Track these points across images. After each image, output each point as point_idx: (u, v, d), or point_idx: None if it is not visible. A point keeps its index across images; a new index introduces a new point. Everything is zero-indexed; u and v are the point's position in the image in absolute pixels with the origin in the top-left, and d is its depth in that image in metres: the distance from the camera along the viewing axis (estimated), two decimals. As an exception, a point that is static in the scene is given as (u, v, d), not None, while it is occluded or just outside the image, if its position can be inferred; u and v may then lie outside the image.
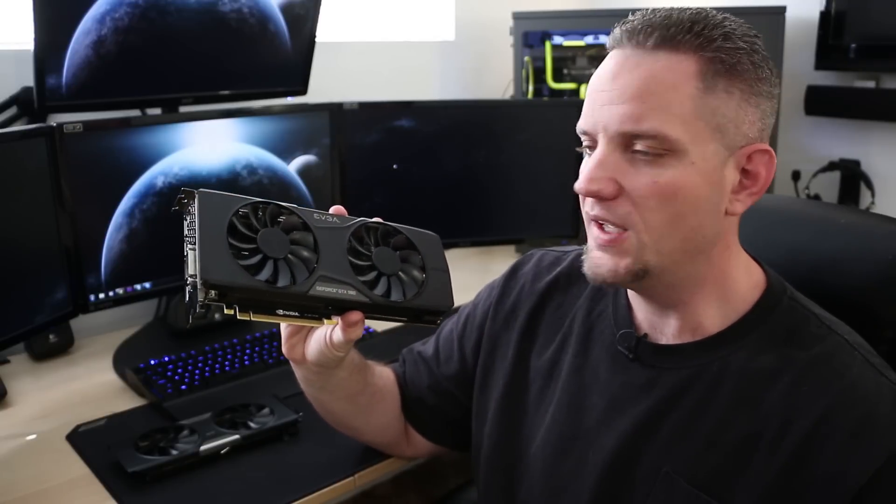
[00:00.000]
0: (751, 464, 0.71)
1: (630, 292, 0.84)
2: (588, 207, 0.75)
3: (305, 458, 1.07)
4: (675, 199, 0.70)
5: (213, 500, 0.98)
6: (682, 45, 0.69)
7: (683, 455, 0.74)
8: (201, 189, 0.71)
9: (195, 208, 0.70)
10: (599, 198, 0.72)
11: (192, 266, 0.68)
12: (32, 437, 1.13)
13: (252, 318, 0.70)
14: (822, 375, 0.71)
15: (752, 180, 0.74)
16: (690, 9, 0.72)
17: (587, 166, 0.72)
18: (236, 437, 1.07)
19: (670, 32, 0.70)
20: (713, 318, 0.77)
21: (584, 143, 0.76)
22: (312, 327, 0.83)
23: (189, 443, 1.05)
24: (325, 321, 0.75)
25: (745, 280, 0.78)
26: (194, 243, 0.68)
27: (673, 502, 0.74)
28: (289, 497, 0.98)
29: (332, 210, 0.80)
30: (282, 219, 0.74)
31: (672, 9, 0.72)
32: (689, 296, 0.77)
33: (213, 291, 0.67)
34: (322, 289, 0.72)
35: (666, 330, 0.80)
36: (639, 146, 0.70)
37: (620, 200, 0.71)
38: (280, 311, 0.72)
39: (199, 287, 0.67)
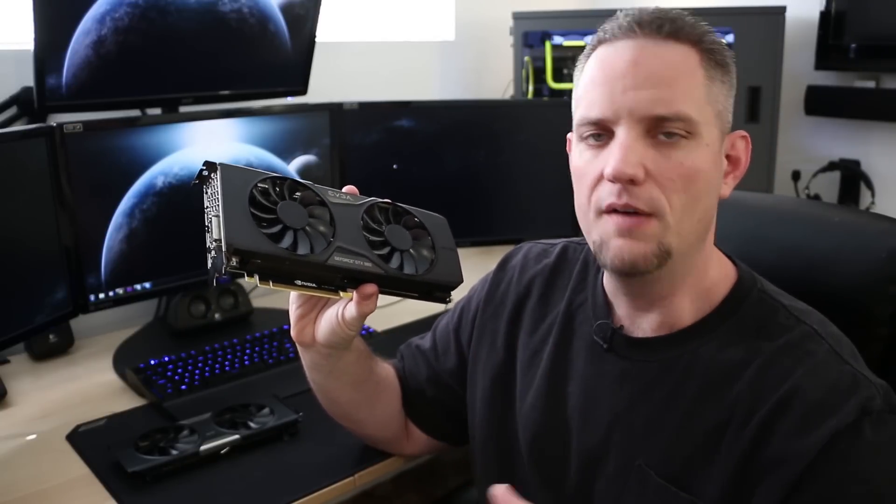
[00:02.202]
0: (718, 453, 0.72)
1: (609, 286, 0.85)
2: (613, 197, 0.72)
3: (305, 458, 1.07)
4: (697, 180, 0.72)
5: (213, 500, 0.98)
6: (684, 37, 0.73)
7: (655, 448, 0.76)
8: (222, 162, 0.73)
9: (217, 180, 0.72)
10: (632, 183, 0.71)
11: (217, 231, 0.70)
12: (32, 437, 1.13)
13: (272, 287, 0.72)
14: (786, 363, 0.72)
15: (733, 165, 0.79)
16: (669, 8, 0.76)
17: (616, 153, 0.71)
18: (236, 437, 1.06)
19: (677, 25, 0.73)
20: (689, 311, 0.79)
21: (588, 133, 0.75)
22: (324, 306, 0.85)
23: (189, 443, 1.05)
24: (342, 293, 0.78)
25: (715, 272, 0.80)
26: (217, 212, 0.70)
27: (646, 494, 0.76)
28: (289, 497, 0.98)
29: (344, 189, 0.82)
30: (298, 194, 0.76)
31: (656, 8, 0.75)
32: (679, 286, 0.78)
33: (235, 258, 0.69)
34: (340, 259, 0.74)
35: (644, 325, 0.81)
36: (666, 130, 0.72)
37: (647, 185, 0.72)
38: (298, 282, 0.74)
39: (223, 252, 0.69)
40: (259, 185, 0.73)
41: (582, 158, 0.77)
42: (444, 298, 0.83)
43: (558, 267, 0.94)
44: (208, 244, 0.71)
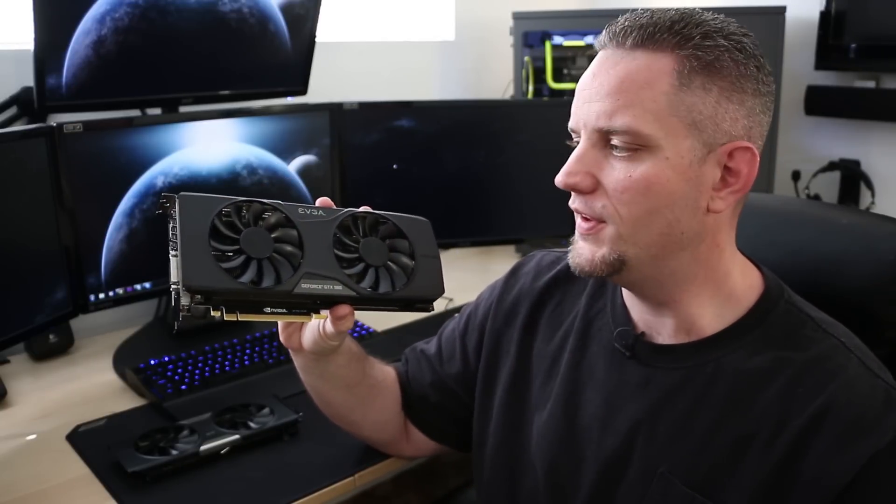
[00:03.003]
0: (744, 464, 0.71)
1: (625, 291, 0.84)
2: (570, 200, 0.77)
3: (305, 458, 1.07)
4: (648, 193, 0.71)
5: (213, 500, 0.98)
6: (660, 43, 0.71)
7: (679, 455, 0.75)
8: (182, 193, 0.71)
9: (176, 213, 0.70)
10: (577, 191, 0.75)
11: (175, 273, 0.69)
12: (32, 437, 1.13)
13: (239, 319, 0.71)
14: (817, 377, 0.71)
15: (734, 178, 0.73)
16: (675, 9, 0.73)
17: (567, 161, 0.76)
18: (236, 437, 1.06)
19: (648, 32, 0.71)
20: (709, 318, 0.77)
21: (575, 139, 0.78)
22: None
23: (189, 443, 1.05)
24: (315, 315, 0.76)
25: (740, 281, 0.78)
26: (177, 249, 0.69)
27: (668, 502, 0.75)
28: (289, 497, 0.98)
29: (318, 202, 0.80)
30: (266, 215, 0.74)
31: (657, 9, 0.74)
32: (679, 293, 0.77)
33: (197, 296, 0.68)
34: (308, 286, 0.73)
35: (662, 329, 0.80)
36: (614, 142, 0.72)
37: (597, 194, 0.74)
38: (267, 310, 0.73)
39: (182, 293, 0.68)
40: (223, 213, 0.71)
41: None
42: (426, 309, 0.81)
43: (572, 274, 0.93)
44: (170, 283, 0.70)
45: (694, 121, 0.70)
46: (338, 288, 0.74)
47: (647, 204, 0.72)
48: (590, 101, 0.73)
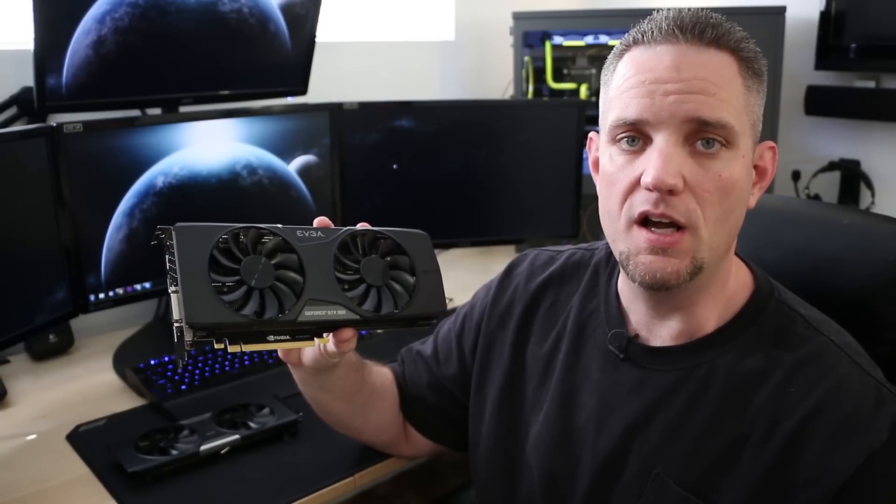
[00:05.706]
0: (738, 464, 0.72)
1: (626, 294, 0.84)
2: (648, 206, 0.70)
3: (305, 458, 1.07)
4: (732, 192, 0.71)
5: (213, 500, 0.98)
6: (724, 44, 0.71)
7: (674, 457, 0.75)
8: (178, 224, 0.70)
9: (174, 246, 0.69)
10: (670, 193, 0.69)
11: (177, 311, 0.68)
12: (32, 437, 1.13)
13: (243, 349, 0.70)
14: (808, 376, 0.72)
15: (759, 175, 0.77)
16: (707, 9, 0.73)
17: (656, 161, 0.69)
18: (236, 437, 1.07)
19: (718, 31, 0.71)
20: (710, 320, 0.78)
21: (623, 136, 0.73)
22: None
23: (189, 443, 1.05)
24: (318, 340, 0.76)
25: (733, 280, 0.79)
26: (177, 285, 0.68)
27: (663, 503, 0.75)
28: (289, 497, 0.98)
29: (315, 222, 0.79)
30: (265, 240, 0.73)
31: (699, 9, 0.73)
32: (700, 297, 0.77)
33: (199, 333, 0.68)
34: (311, 313, 0.72)
35: (662, 332, 0.80)
36: (706, 137, 0.70)
37: (684, 196, 0.70)
38: (271, 338, 0.72)
39: (185, 330, 0.67)
40: (220, 242, 0.70)
41: (614, 163, 0.74)
42: (427, 325, 0.81)
43: (566, 274, 0.93)
44: (171, 320, 0.70)
45: (753, 121, 0.73)
46: (341, 312, 0.74)
47: (728, 204, 0.71)
48: (679, 93, 0.69)
